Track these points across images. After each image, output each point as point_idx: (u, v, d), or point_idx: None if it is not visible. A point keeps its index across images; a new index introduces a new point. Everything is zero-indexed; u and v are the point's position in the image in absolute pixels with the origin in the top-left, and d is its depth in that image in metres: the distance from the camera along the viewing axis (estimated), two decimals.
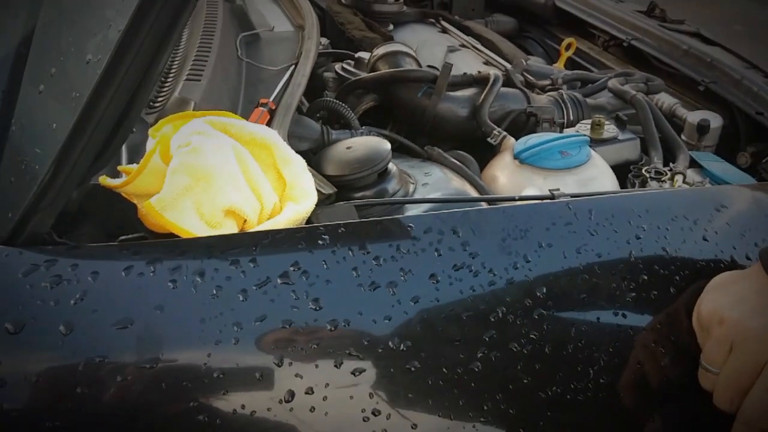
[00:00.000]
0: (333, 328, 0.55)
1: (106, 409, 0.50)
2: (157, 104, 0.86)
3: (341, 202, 0.72)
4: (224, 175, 0.65)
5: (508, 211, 0.68)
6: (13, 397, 0.48)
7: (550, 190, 0.75)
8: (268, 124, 0.90)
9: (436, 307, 0.58)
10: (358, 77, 1.13)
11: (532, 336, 0.59)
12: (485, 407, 0.57)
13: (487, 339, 0.58)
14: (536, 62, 1.38)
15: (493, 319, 0.59)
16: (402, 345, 0.56)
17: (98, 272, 0.53)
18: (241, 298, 0.55)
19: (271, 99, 0.96)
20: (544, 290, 0.61)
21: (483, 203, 0.78)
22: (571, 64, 1.49)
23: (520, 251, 0.63)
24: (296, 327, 0.54)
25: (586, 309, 0.61)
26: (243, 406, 0.52)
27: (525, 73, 1.26)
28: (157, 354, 0.51)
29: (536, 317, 0.59)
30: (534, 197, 0.77)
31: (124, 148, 0.76)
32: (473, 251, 0.62)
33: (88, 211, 0.64)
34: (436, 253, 0.61)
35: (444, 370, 0.56)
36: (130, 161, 0.76)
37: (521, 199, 0.77)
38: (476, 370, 0.57)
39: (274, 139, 0.73)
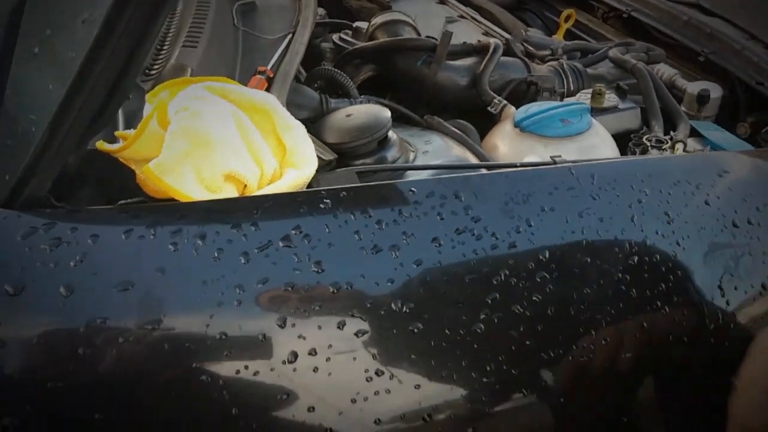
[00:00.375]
0: (335, 291, 0.55)
1: (108, 370, 0.50)
2: (153, 71, 0.85)
3: (342, 168, 0.71)
4: (224, 140, 0.64)
5: (510, 176, 0.67)
6: (13, 358, 0.48)
7: (551, 157, 0.75)
8: (266, 91, 0.89)
9: (439, 270, 0.58)
10: (356, 46, 1.12)
11: (534, 298, 0.59)
12: (488, 368, 0.57)
13: (489, 301, 0.58)
14: (535, 34, 1.36)
15: (495, 282, 0.58)
16: (405, 307, 0.56)
17: (98, 235, 0.53)
18: (242, 261, 0.54)
19: (269, 67, 0.95)
20: (547, 253, 0.60)
21: (484, 170, 0.77)
22: (570, 36, 1.47)
23: (522, 215, 0.62)
24: (299, 289, 0.54)
25: (589, 272, 0.61)
26: (246, 367, 0.51)
27: (525, 44, 1.24)
28: (159, 316, 0.51)
29: (539, 280, 0.59)
30: (535, 163, 0.77)
31: (120, 114, 0.75)
32: (475, 215, 0.61)
33: (87, 176, 0.64)
34: (438, 217, 0.61)
35: (447, 331, 0.56)
36: (127, 128, 0.75)
37: (522, 165, 0.76)
38: (479, 331, 0.57)
39: (273, 104, 0.72)
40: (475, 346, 0.57)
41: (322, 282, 0.55)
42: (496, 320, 0.57)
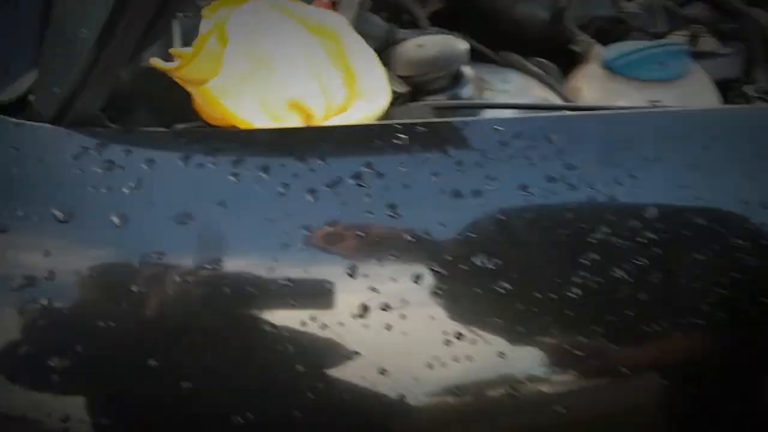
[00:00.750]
0: (412, 239, 0.49)
1: (163, 311, 0.45)
2: None
3: (416, 102, 0.64)
4: (288, 63, 0.58)
5: (609, 119, 0.59)
6: (62, 292, 0.43)
7: (650, 101, 0.66)
8: None
9: (529, 223, 0.51)
10: None
11: (638, 262, 0.51)
12: (581, 340, 0.51)
13: (586, 263, 0.51)
14: None
15: (593, 241, 0.51)
16: (489, 263, 0.49)
17: (154, 160, 0.47)
18: (310, 199, 0.48)
19: None
20: (653, 211, 0.53)
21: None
22: None
23: (624, 165, 0.55)
24: (371, 235, 0.48)
25: (704, 235, 0.53)
26: (313, 318, 0.46)
27: None
28: (219, 254, 0.46)
29: (644, 241, 0.52)
30: (635, 108, 0.69)
31: (177, 32, 0.68)
32: (570, 162, 0.54)
33: (140, 97, 0.58)
34: (527, 162, 0.53)
35: (536, 294, 0.50)
36: (185, 46, 0.69)
37: (620, 109, 0.68)
38: (573, 296, 0.50)
39: (343, 26, 0.64)
40: (569, 313, 0.50)
41: (398, 228, 0.49)
42: (593, 285, 0.50)
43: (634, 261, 0.51)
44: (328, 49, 0.63)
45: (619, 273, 0.51)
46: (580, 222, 0.52)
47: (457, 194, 0.51)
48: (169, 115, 0.57)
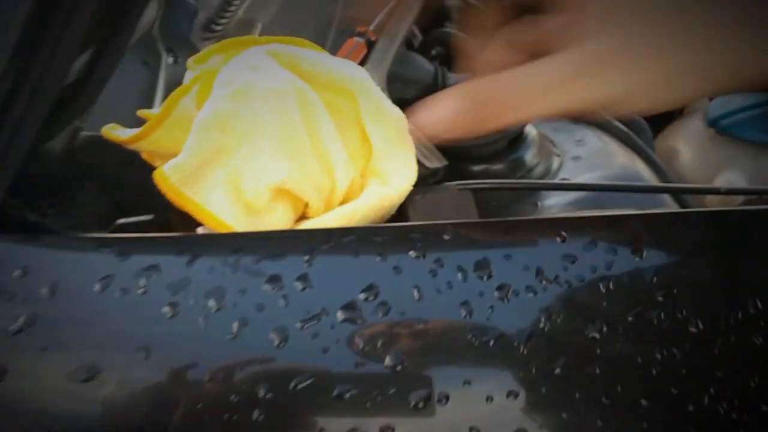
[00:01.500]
0: (421, 411, 0.33)
1: None
2: (218, 28, 0.65)
3: (451, 183, 0.48)
4: (278, 133, 0.43)
5: (727, 216, 0.41)
6: None
7: None
8: (364, 60, 0.67)
9: (606, 411, 0.34)
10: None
11: None
12: None
13: None
14: None
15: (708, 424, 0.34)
16: None
17: (59, 284, 0.34)
18: (276, 342, 0.33)
19: (371, 27, 0.72)
20: None
21: (669, 198, 0.52)
22: None
23: (753, 293, 0.37)
24: (362, 406, 0.33)
25: None
26: None
27: None
28: (134, 427, 0.31)
29: None
30: (755, 191, 0.50)
31: (160, 85, 0.56)
32: (669, 288, 0.37)
33: (90, 175, 0.45)
34: (603, 288, 0.37)
35: None
36: None
37: (731, 192, 0.50)
38: None
39: (362, 83, 0.49)
40: None
41: (403, 394, 0.33)
42: None
43: None
44: (340, 112, 0.48)
45: None
46: (687, 395, 0.34)
47: (499, 337, 0.35)
48: (127, 203, 0.44)
